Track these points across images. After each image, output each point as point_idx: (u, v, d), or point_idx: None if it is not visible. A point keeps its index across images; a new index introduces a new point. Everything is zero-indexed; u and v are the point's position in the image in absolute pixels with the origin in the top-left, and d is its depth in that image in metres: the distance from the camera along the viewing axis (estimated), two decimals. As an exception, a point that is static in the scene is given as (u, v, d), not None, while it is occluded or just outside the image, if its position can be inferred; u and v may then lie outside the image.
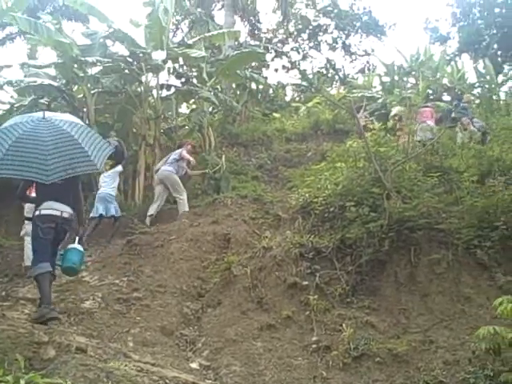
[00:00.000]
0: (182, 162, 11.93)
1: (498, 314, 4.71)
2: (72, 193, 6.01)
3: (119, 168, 11.49)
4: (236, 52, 15.55)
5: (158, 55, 13.00)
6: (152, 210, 11.43)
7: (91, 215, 10.68)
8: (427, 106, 14.59)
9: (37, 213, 5.82)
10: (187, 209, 11.28)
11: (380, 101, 18.27)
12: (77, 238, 6.02)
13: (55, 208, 5.80)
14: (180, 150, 11.97)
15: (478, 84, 20.05)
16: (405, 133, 12.54)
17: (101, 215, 10.66)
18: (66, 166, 5.35)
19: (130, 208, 12.48)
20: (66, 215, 5.81)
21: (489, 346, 4.58)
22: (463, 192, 7.89)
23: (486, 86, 19.25)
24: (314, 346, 5.90)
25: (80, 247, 5.93)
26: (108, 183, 11.03)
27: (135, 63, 13.52)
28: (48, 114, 5.91)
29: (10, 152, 5.21)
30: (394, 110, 15.45)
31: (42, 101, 13.68)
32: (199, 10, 22.85)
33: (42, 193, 5.91)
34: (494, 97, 18.45)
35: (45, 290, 5.59)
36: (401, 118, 14.48)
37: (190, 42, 15.68)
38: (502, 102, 17.55)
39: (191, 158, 12.04)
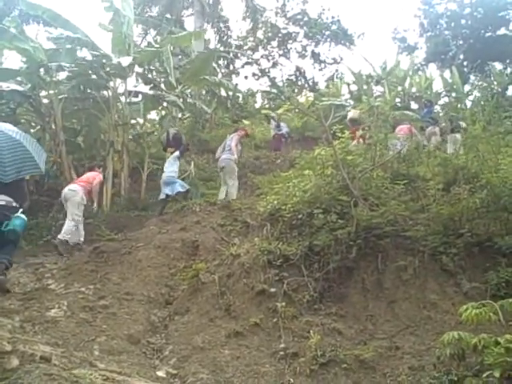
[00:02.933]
0: (238, 146, 13.22)
1: (463, 321, 4.76)
2: (16, 189, 6.60)
3: (177, 153, 12.83)
4: (196, 54, 15.63)
5: (123, 60, 12.93)
6: (221, 195, 12.53)
7: (159, 198, 12.39)
8: (404, 124, 14.07)
9: None
10: (235, 197, 12.07)
11: (348, 109, 18.38)
12: (20, 210, 6.60)
13: None
14: (234, 135, 13.27)
15: (444, 93, 20.38)
16: (358, 136, 12.62)
17: (167, 195, 12.17)
18: (19, 168, 6.26)
19: (98, 215, 12.37)
20: (2, 202, 6.48)
21: (453, 351, 4.61)
22: (429, 200, 7.98)
23: (453, 94, 19.58)
24: (281, 352, 5.87)
25: (23, 216, 6.55)
26: (168, 168, 12.45)
27: (102, 69, 13.41)
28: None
29: None
30: (350, 114, 15.50)
31: (6, 106, 13.51)
32: (168, 15, 22.84)
33: None
34: (461, 105, 18.75)
35: None
36: (355, 121, 14.49)
37: (156, 45, 15.63)
38: (467, 112, 17.80)
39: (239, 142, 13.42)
